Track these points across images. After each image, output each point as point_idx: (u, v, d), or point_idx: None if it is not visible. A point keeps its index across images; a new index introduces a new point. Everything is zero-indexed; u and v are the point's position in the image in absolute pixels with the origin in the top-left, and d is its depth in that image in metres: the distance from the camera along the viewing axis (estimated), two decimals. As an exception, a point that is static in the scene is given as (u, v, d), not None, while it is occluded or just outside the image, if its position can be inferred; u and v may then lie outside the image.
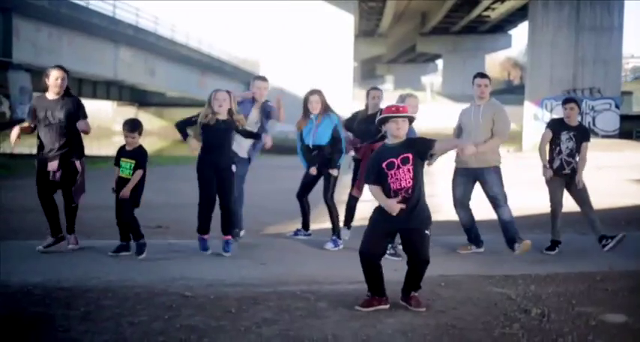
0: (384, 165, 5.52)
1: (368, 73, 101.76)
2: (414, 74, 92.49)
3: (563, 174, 8.28)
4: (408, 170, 5.47)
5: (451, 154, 7.18)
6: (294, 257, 7.53)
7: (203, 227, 7.62)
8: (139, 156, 7.52)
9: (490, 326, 5.19)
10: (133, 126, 7.55)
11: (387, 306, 5.58)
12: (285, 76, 35.29)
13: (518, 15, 58.68)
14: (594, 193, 8.54)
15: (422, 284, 5.66)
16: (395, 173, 5.49)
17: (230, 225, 7.70)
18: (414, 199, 5.48)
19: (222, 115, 7.55)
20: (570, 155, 8.27)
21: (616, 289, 6.33)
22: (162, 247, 7.82)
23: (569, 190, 8.34)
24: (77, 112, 7.52)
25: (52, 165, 7.45)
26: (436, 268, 6.49)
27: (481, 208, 8.07)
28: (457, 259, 7.63)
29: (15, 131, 7.43)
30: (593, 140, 8.66)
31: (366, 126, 8.28)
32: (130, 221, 7.47)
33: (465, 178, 8.11)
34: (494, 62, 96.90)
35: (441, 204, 10.99)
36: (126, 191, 7.41)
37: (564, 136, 8.29)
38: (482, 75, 8.25)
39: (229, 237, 7.68)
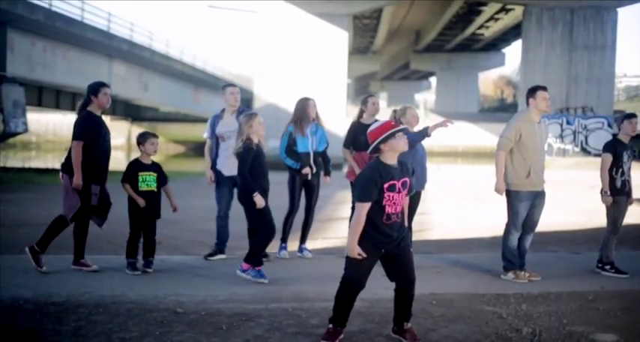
0: (385, 186, 5.02)
1: (361, 89, 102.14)
2: (408, 91, 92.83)
3: (626, 192, 7.90)
4: (405, 195, 5.15)
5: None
6: (285, 274, 7.51)
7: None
8: (161, 169, 7.62)
9: (482, 345, 5.19)
10: (154, 134, 7.64)
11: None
12: (279, 92, 35.36)
13: (511, 33, 59.12)
14: (588, 212, 8.53)
15: (413, 302, 5.34)
16: (393, 196, 5.03)
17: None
18: (403, 221, 5.18)
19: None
20: (629, 174, 7.91)
21: (608, 308, 6.34)
22: (154, 262, 7.78)
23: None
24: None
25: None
26: (428, 286, 6.50)
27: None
28: (449, 277, 7.62)
29: None
30: (585, 159, 8.60)
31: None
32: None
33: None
34: (488, 80, 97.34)
35: (433, 222, 11.00)
36: (175, 205, 7.69)
37: (625, 156, 7.87)
38: (546, 87, 7.62)
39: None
